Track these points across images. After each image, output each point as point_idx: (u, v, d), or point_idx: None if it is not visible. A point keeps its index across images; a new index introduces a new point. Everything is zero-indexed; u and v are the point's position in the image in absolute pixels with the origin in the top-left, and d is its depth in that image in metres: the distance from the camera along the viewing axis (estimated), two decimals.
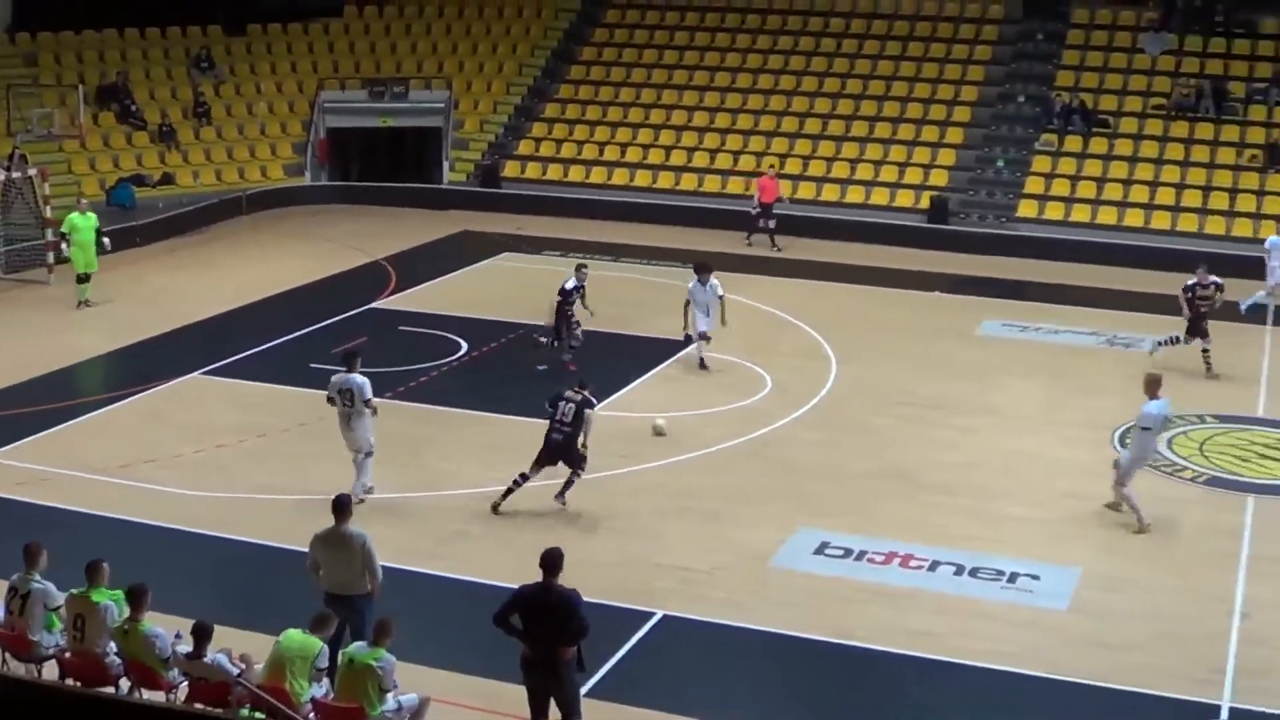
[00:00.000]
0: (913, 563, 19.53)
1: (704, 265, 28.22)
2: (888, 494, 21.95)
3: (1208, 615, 18.32)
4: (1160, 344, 28.48)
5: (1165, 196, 40.05)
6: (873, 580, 19.06)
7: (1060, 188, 41.06)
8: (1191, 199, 39.90)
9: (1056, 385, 27.38)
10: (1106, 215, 39.87)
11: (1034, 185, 41.29)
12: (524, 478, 20.77)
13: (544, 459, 20.78)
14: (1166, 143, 41.74)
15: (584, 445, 20.72)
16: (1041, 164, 41.89)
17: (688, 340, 27.96)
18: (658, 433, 24.16)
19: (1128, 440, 22.42)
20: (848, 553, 19.77)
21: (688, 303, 27.73)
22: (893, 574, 19.26)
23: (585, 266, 28.58)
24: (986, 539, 20.39)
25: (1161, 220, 39.37)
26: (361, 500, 20.23)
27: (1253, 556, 20.10)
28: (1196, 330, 28.18)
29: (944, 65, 45.69)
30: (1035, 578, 19.19)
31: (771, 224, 38.93)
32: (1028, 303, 33.76)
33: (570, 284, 27.65)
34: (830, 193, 41.76)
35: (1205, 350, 28.15)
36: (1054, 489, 22.13)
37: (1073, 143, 42.19)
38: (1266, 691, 16.47)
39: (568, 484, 20.91)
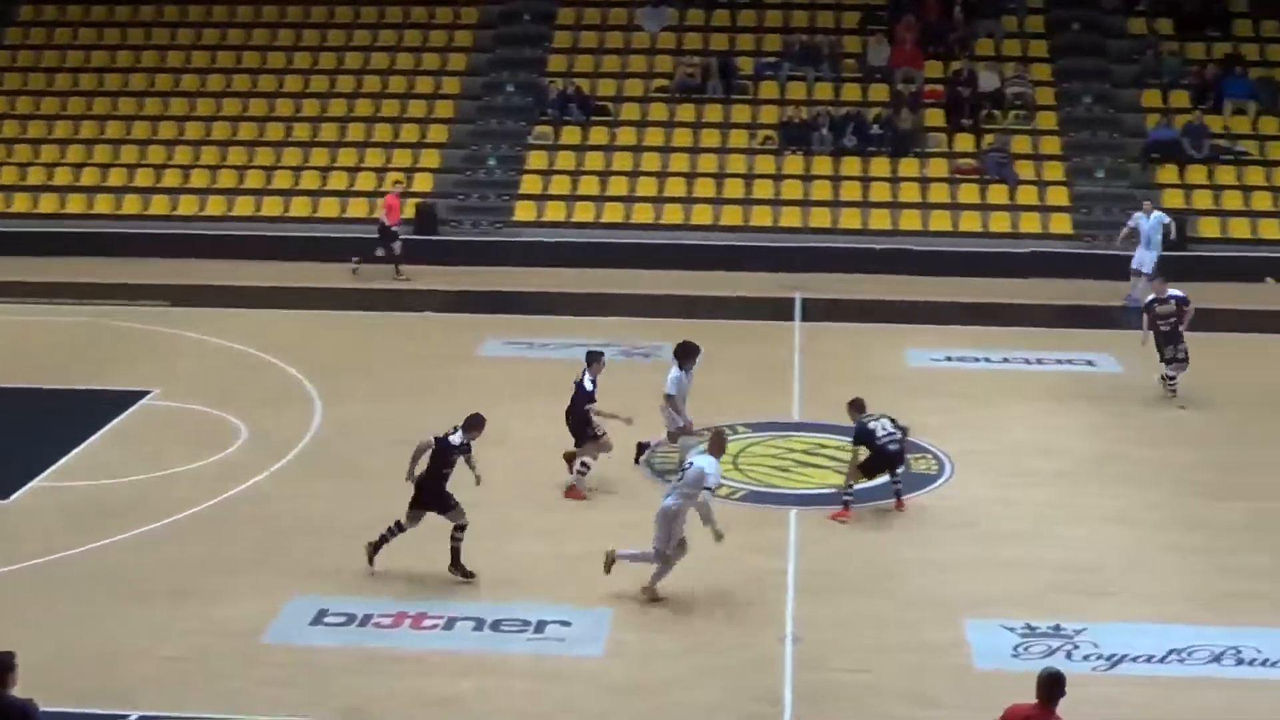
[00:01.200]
0: (426, 622, 19.52)
1: (695, 348, 24.81)
2: (391, 547, 21.72)
3: (758, 642, 18.88)
4: (1172, 387, 28.12)
5: (675, 187, 41.34)
6: (383, 646, 18.94)
7: (560, 185, 41.85)
8: (704, 188, 41.32)
9: None
10: (613, 212, 40.88)
11: (530, 184, 41.99)
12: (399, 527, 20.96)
13: (417, 504, 20.92)
14: (673, 128, 43.16)
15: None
16: (538, 160, 42.65)
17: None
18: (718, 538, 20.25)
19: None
20: (350, 618, 19.61)
21: (670, 397, 24.29)
22: (405, 637, 19.20)
23: (601, 355, 25.01)
24: (508, 585, 20.51)
25: (674, 214, 40.62)
26: None
27: (800, 573, 20.88)
28: (1159, 351, 28.08)
29: (420, 55, 46.01)
30: (566, 624, 19.38)
31: (396, 248, 38.08)
32: (532, 316, 34.29)
33: (588, 384, 24.44)
34: (301, 207, 41.39)
35: (1169, 375, 28.06)
36: (579, 521, 22.35)
37: (570, 134, 43.11)
38: (827, 717, 17.09)
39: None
